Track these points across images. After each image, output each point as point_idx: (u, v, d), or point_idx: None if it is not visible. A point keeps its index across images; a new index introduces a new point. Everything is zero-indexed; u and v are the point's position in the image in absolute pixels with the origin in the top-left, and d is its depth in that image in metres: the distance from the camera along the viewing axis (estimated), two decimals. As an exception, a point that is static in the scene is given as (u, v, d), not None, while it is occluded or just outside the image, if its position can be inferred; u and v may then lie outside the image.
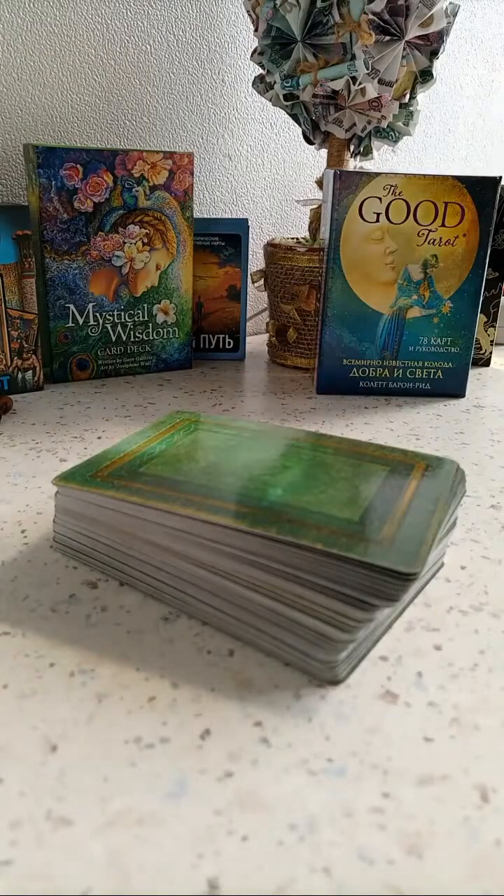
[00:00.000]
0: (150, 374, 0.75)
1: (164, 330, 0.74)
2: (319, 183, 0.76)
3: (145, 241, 0.70)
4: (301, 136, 0.96)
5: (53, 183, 0.64)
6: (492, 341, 0.81)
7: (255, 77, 0.74)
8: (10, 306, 0.63)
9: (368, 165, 1.00)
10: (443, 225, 0.63)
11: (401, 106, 0.71)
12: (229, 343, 0.81)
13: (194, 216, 0.84)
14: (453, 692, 0.29)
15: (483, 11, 1.10)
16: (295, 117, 0.73)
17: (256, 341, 0.93)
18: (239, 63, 0.87)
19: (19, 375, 0.66)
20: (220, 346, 0.81)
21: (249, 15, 0.71)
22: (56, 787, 0.24)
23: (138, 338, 0.73)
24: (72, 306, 0.68)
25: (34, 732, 0.26)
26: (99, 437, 0.56)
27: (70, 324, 0.69)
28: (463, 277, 0.64)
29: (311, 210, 0.77)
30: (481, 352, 0.81)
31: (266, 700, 0.28)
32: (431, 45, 0.67)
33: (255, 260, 0.97)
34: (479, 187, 0.62)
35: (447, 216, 0.63)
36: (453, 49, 1.09)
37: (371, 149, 0.75)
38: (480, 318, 0.80)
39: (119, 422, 0.60)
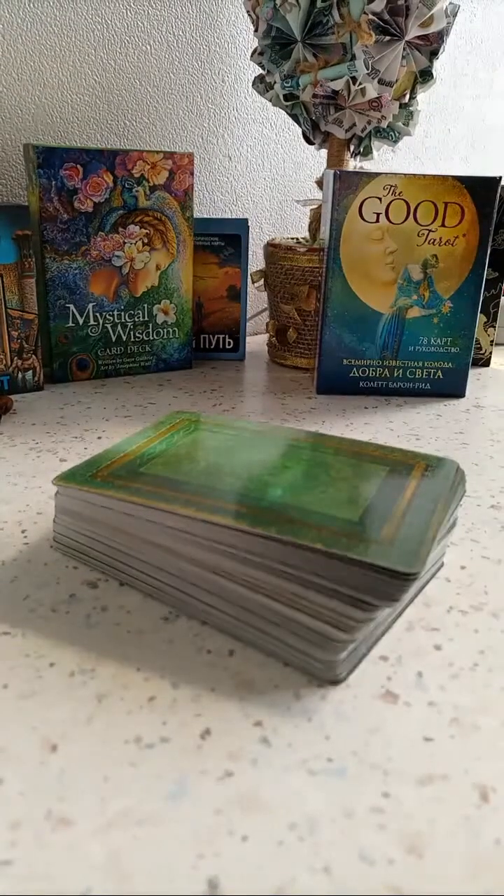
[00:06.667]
0: (151, 375, 0.75)
1: (164, 330, 0.74)
2: (319, 183, 0.76)
3: (145, 241, 0.70)
4: (301, 137, 0.96)
5: (53, 183, 0.64)
6: (492, 341, 0.81)
7: (255, 77, 0.74)
8: (11, 306, 0.63)
9: (368, 165, 1.00)
10: (443, 225, 0.63)
11: (401, 106, 0.71)
12: (229, 343, 0.81)
13: (194, 216, 0.84)
14: (453, 692, 0.29)
15: (483, 12, 1.11)
16: (295, 117, 0.73)
17: (256, 341, 0.93)
18: (239, 63, 0.87)
19: (19, 375, 0.66)
20: (220, 346, 0.81)
21: (249, 15, 0.71)
22: (56, 787, 0.24)
23: (138, 338, 0.73)
24: (72, 306, 0.68)
25: (34, 732, 0.26)
26: (99, 437, 0.56)
27: (70, 324, 0.69)
28: (463, 277, 0.64)
29: (311, 210, 0.77)
30: (481, 352, 0.81)
31: (266, 700, 0.28)
32: (431, 45, 0.67)
33: (255, 260, 0.97)
34: (478, 187, 0.62)
35: (447, 216, 0.63)
36: (453, 49, 1.09)
37: (371, 149, 0.75)
38: (480, 318, 0.80)
39: (119, 422, 0.60)
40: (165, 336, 0.74)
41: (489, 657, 0.31)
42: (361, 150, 0.75)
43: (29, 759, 0.25)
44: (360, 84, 0.65)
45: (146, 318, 0.72)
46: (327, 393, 0.69)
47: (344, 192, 0.62)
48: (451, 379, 0.68)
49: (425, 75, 0.69)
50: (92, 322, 0.70)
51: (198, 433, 0.41)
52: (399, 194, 0.62)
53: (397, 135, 0.74)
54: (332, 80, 0.65)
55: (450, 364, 0.68)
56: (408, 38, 0.64)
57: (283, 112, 0.91)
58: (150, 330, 0.73)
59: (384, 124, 0.70)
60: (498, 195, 0.62)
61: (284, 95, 0.69)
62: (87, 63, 0.76)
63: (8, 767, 0.25)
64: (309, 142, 0.75)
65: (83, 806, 0.23)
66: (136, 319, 0.72)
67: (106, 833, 0.22)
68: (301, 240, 0.81)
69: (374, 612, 0.28)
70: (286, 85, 0.68)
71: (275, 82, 0.70)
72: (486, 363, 0.82)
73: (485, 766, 0.25)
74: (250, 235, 0.95)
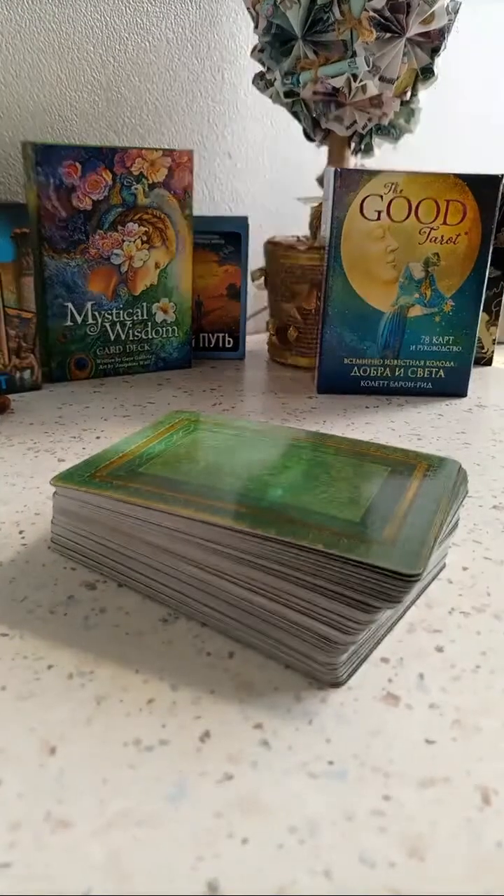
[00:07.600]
0: (150, 374, 0.74)
1: (164, 329, 0.74)
2: (320, 181, 0.76)
3: (144, 239, 0.69)
4: (302, 134, 0.95)
5: (52, 181, 0.63)
6: (494, 340, 0.81)
7: (256, 74, 0.74)
8: (8, 305, 0.63)
9: (369, 163, 1.00)
10: (444, 223, 0.63)
11: (402, 103, 0.71)
12: (229, 342, 0.80)
13: (194, 214, 0.83)
14: (455, 694, 0.29)
15: (484, 8, 1.10)
16: (295, 115, 0.72)
17: (256, 340, 0.93)
18: (239, 60, 0.87)
19: (17, 375, 0.65)
20: (220, 345, 0.81)
21: (249, 12, 0.70)
22: (55, 788, 0.24)
23: (137, 337, 0.73)
24: (70, 305, 0.68)
25: (33, 734, 0.26)
26: (98, 437, 0.55)
27: (68, 323, 0.68)
28: (465, 276, 0.64)
29: (311, 208, 0.77)
30: (483, 351, 0.81)
31: (266, 702, 0.28)
32: (433, 42, 0.67)
33: (255, 258, 0.97)
34: (480, 185, 0.61)
35: (449, 214, 0.62)
36: (455, 46, 1.09)
37: (372, 146, 0.75)
38: (482, 317, 0.80)
39: (118, 421, 0.59)
40: (164, 335, 0.74)
41: (491, 659, 0.31)
42: (362, 147, 0.75)
43: (28, 761, 0.25)
44: (361, 81, 0.64)
45: (145, 317, 0.72)
46: (328, 392, 0.68)
47: (345, 190, 0.61)
48: (453, 378, 0.68)
49: (426, 73, 0.69)
50: (90, 321, 0.69)
51: (197, 433, 0.41)
52: (400, 192, 0.62)
53: (398, 132, 0.73)
54: (332, 77, 0.65)
55: (451, 363, 0.67)
56: (409, 35, 0.64)
57: (284, 109, 0.91)
58: (150, 329, 0.73)
59: (385, 122, 0.69)
60: (500, 193, 0.62)
61: (285, 92, 0.69)
62: (85, 60, 0.75)
63: (7, 769, 0.25)
64: (309, 139, 0.74)
65: (82, 807, 0.23)
66: (135, 318, 0.72)
67: (106, 834, 0.22)
68: (301, 238, 0.81)
69: (375, 614, 0.28)
70: (286, 82, 0.68)
71: (275, 79, 0.70)
72: (489, 362, 0.82)
73: (486, 768, 0.25)
74: (250, 233, 0.95)
